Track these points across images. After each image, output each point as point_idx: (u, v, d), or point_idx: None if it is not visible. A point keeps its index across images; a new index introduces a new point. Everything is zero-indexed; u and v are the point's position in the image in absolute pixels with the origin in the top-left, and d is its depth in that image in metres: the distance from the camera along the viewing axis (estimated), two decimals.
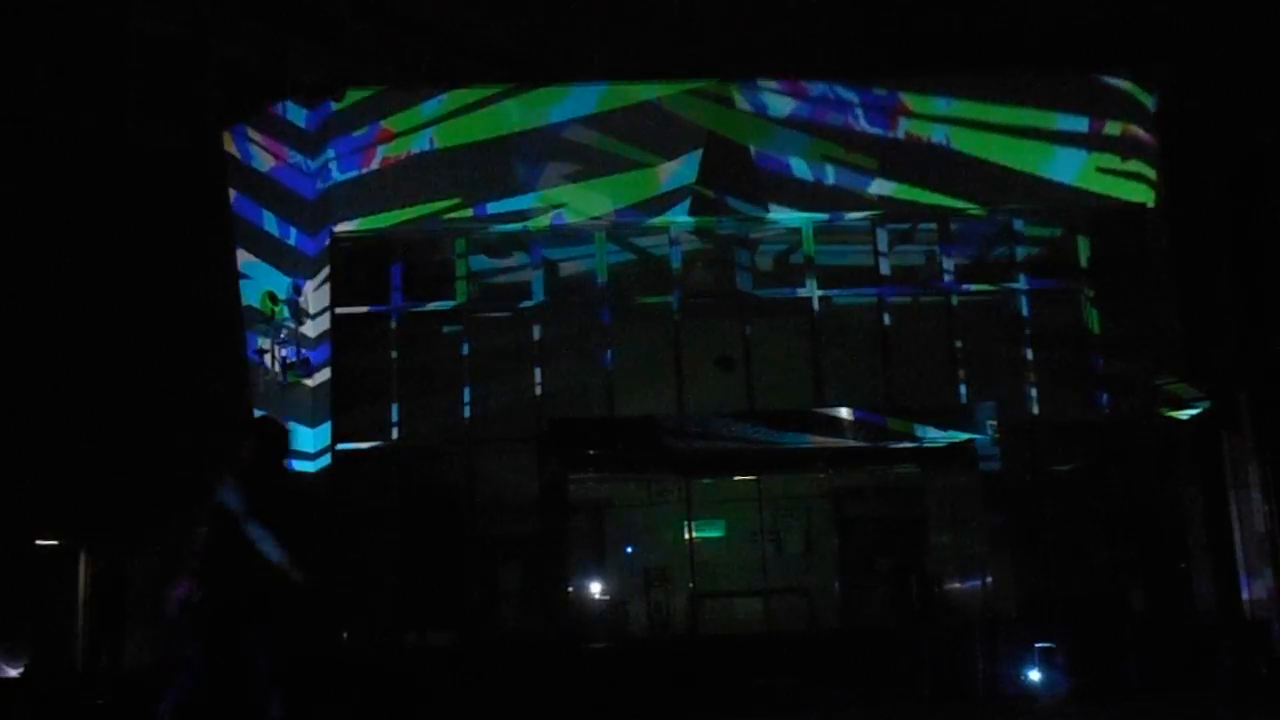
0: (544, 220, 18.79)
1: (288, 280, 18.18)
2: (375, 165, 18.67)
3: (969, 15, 19.09)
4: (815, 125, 19.02)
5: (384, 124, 18.72)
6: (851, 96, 19.08)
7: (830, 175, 18.97)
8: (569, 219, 18.80)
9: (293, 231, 18.43)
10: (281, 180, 18.42)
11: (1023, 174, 19.00)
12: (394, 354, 18.85)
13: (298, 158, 18.56)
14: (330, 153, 18.66)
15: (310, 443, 18.02)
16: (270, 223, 18.29)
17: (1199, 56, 18.39)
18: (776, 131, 18.96)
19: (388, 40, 19.61)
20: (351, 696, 15.33)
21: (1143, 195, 19.06)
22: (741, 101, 19.01)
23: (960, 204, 19.07)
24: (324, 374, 18.29)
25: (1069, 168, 19.04)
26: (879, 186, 18.93)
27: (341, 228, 18.67)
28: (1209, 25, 18.12)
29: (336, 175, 18.64)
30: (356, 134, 18.70)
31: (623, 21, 19.00)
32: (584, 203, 18.76)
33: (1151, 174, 19.04)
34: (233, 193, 17.92)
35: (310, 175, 18.61)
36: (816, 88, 19.12)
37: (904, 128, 19.03)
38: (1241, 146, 18.47)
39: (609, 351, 18.88)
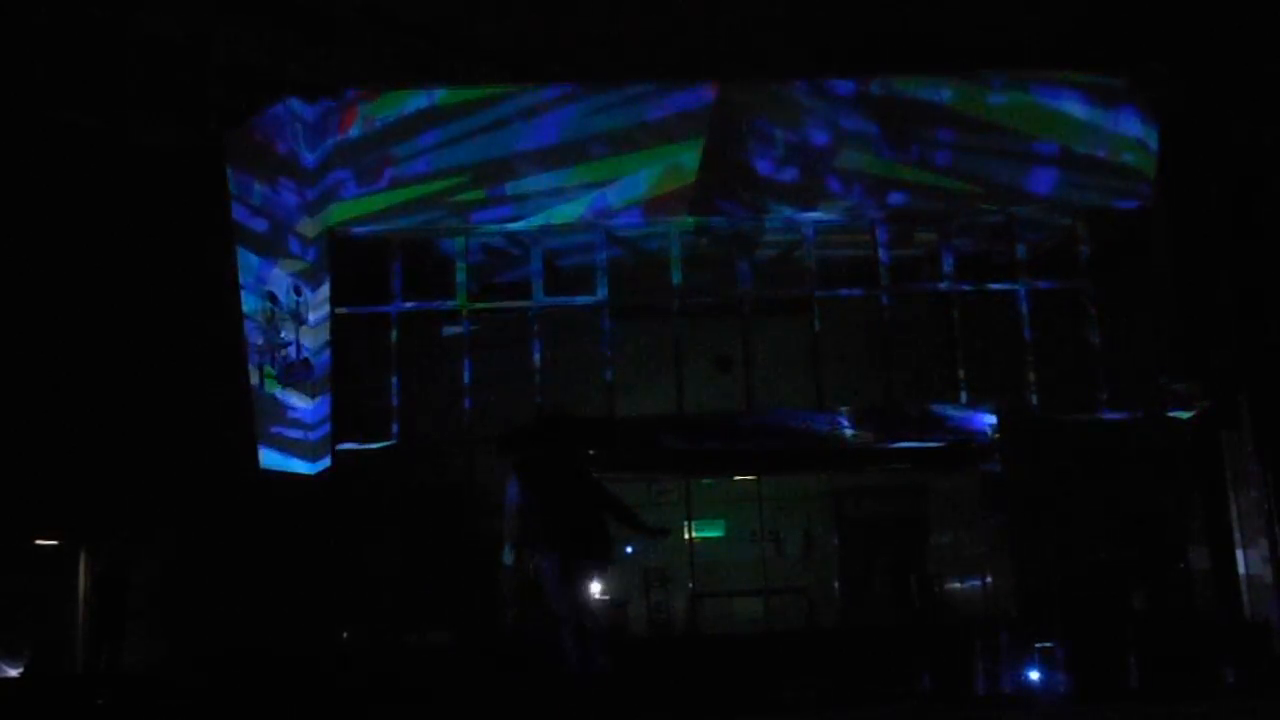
0: (545, 219, 18.79)
1: (288, 280, 18.19)
2: (375, 164, 18.65)
3: (969, 14, 19.09)
4: (816, 125, 19.01)
5: (383, 122, 18.70)
6: (850, 95, 19.06)
7: (831, 175, 18.96)
8: (569, 217, 18.80)
9: (293, 231, 18.42)
10: (282, 180, 18.41)
11: (1023, 174, 19.00)
12: (394, 353, 18.84)
13: (298, 157, 18.55)
14: (330, 152, 18.65)
15: (310, 443, 18.02)
16: (270, 222, 18.28)
17: (1199, 56, 18.39)
18: (777, 131, 18.95)
19: (388, 40, 19.62)
20: (352, 696, 15.35)
21: (1142, 195, 19.05)
22: (742, 101, 18.99)
23: (960, 204, 19.05)
24: (324, 374, 18.30)
25: (1069, 168, 19.03)
26: (879, 187, 18.92)
27: (341, 227, 18.67)
28: (1209, 25, 18.12)
29: (337, 174, 18.63)
30: (357, 133, 18.68)
31: (621, 22, 19.00)
32: (584, 201, 18.75)
33: (1151, 174, 19.02)
34: (232, 192, 17.89)
35: (311, 175, 18.60)
36: (815, 86, 19.10)
37: (904, 128, 18.99)
38: (1241, 146, 18.46)
39: (609, 351, 18.88)
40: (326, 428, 18.16)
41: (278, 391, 17.72)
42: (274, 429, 17.72)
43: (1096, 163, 19.05)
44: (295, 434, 17.88)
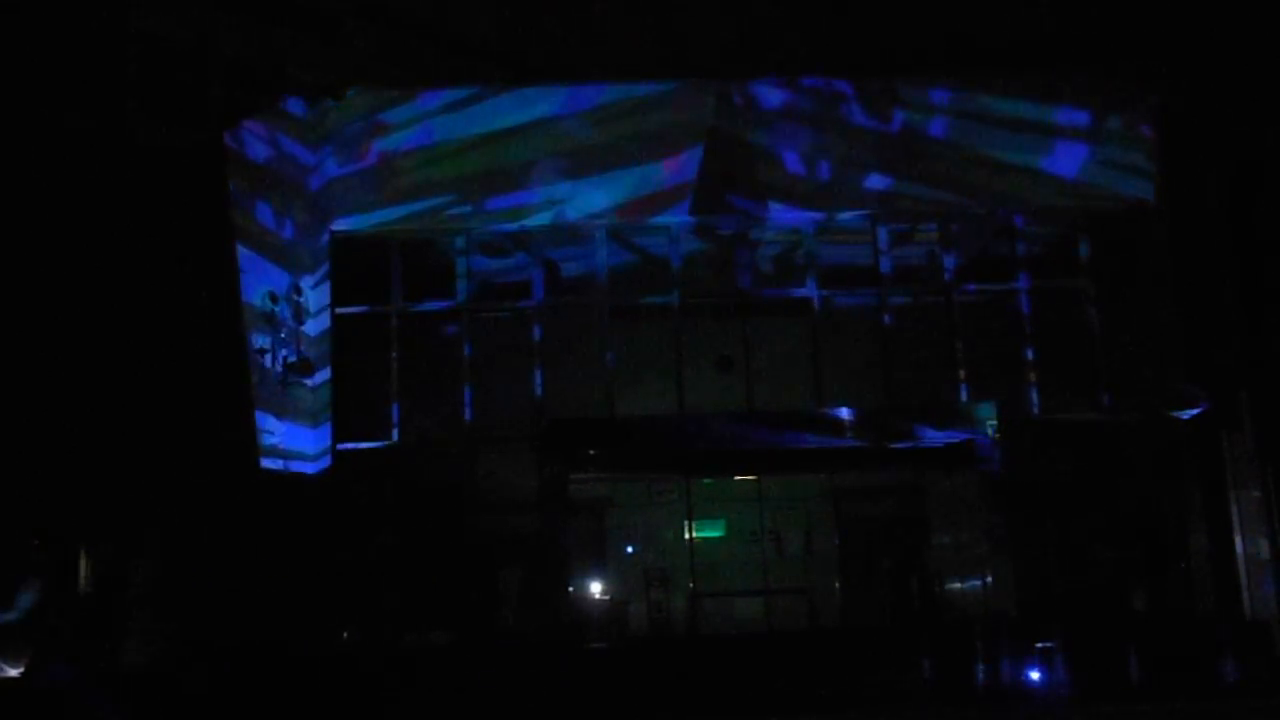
0: (544, 218, 18.79)
1: (288, 279, 18.18)
2: (375, 164, 18.66)
3: (970, 15, 19.09)
4: (816, 125, 19.01)
5: (383, 123, 18.70)
6: (851, 96, 19.06)
7: (831, 175, 18.96)
8: (569, 216, 18.80)
9: (293, 231, 18.42)
10: (282, 180, 18.40)
11: (1023, 174, 19.00)
12: (394, 353, 18.84)
13: (298, 157, 18.55)
14: (330, 152, 18.65)
15: (310, 443, 18.02)
16: (270, 222, 18.28)
17: (1199, 56, 18.39)
18: (777, 131, 18.95)
19: (388, 40, 19.61)
20: (352, 696, 15.35)
21: (1143, 195, 19.04)
22: (742, 100, 18.98)
23: (961, 204, 19.05)
24: (324, 373, 18.29)
25: (1069, 167, 19.04)
26: (879, 186, 18.93)
27: (341, 226, 18.67)
28: (1209, 25, 18.12)
29: (337, 174, 18.63)
30: (357, 133, 18.68)
31: (622, 22, 19.00)
32: (584, 200, 18.76)
33: (1151, 174, 19.02)
34: (233, 192, 17.89)
35: (311, 175, 18.60)
36: (817, 87, 19.09)
37: (906, 128, 19.00)
38: (1241, 146, 18.46)
39: (609, 351, 18.88)
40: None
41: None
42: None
43: (1097, 163, 19.05)
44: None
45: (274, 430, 17.46)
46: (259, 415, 17.56)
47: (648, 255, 19.84)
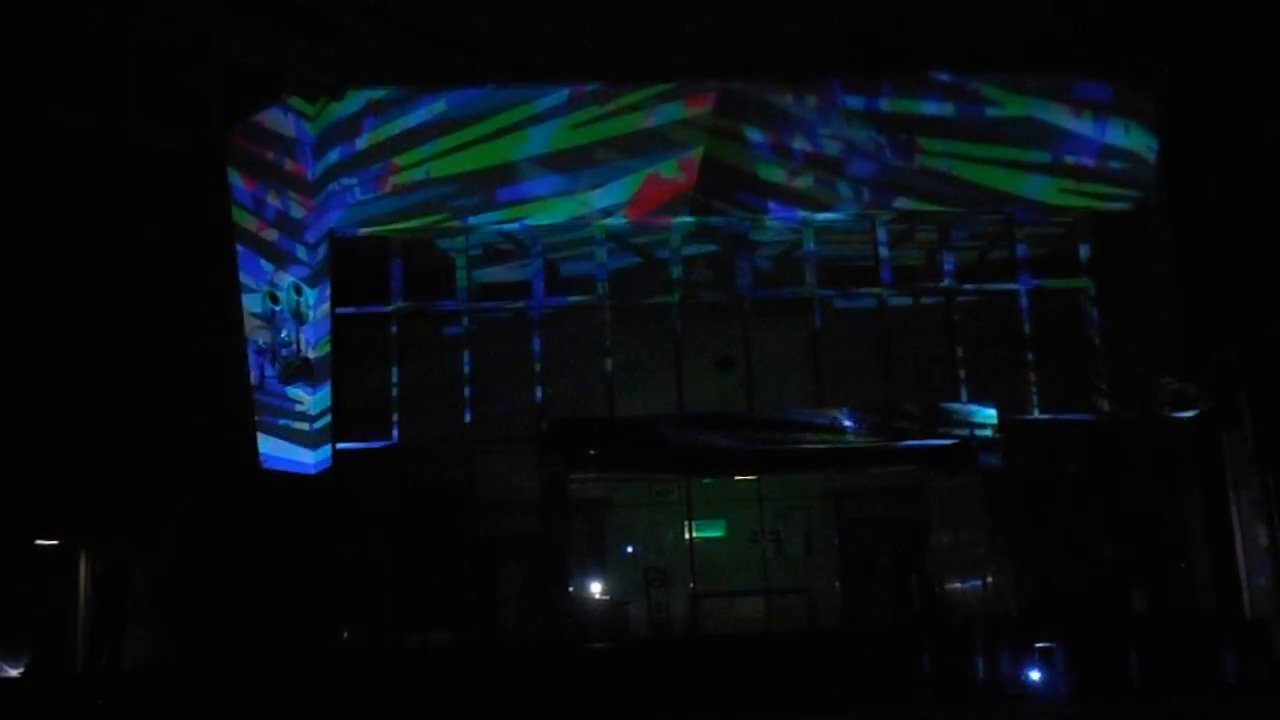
0: (545, 218, 18.79)
1: (288, 280, 18.18)
2: (376, 165, 18.64)
3: (970, 15, 19.09)
4: (816, 126, 19.00)
5: (384, 123, 18.68)
6: (850, 95, 19.05)
7: (831, 175, 18.95)
8: (570, 217, 18.79)
9: (294, 231, 18.41)
10: (282, 180, 18.39)
11: (1023, 174, 18.99)
12: (394, 354, 18.82)
13: (298, 157, 18.54)
14: (331, 152, 18.64)
15: (310, 443, 18.01)
16: (271, 222, 18.27)
17: (1199, 56, 18.40)
18: (777, 131, 18.94)
19: (388, 40, 19.61)
20: (352, 696, 15.35)
21: (1143, 194, 19.04)
22: (741, 101, 18.97)
23: (961, 204, 19.04)
24: (324, 374, 18.29)
25: (1069, 167, 19.02)
26: (879, 186, 18.91)
27: (341, 228, 18.66)
28: (1209, 25, 18.13)
29: (337, 175, 18.62)
30: (357, 133, 18.66)
31: (620, 23, 19.01)
32: (584, 200, 18.74)
33: (1152, 173, 19.01)
34: (233, 192, 17.89)
35: (311, 175, 18.59)
36: (817, 88, 19.09)
37: (905, 128, 18.97)
38: (1242, 145, 18.47)
39: (609, 352, 18.87)
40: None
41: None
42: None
43: (1097, 163, 19.04)
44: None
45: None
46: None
47: (648, 255, 19.84)
